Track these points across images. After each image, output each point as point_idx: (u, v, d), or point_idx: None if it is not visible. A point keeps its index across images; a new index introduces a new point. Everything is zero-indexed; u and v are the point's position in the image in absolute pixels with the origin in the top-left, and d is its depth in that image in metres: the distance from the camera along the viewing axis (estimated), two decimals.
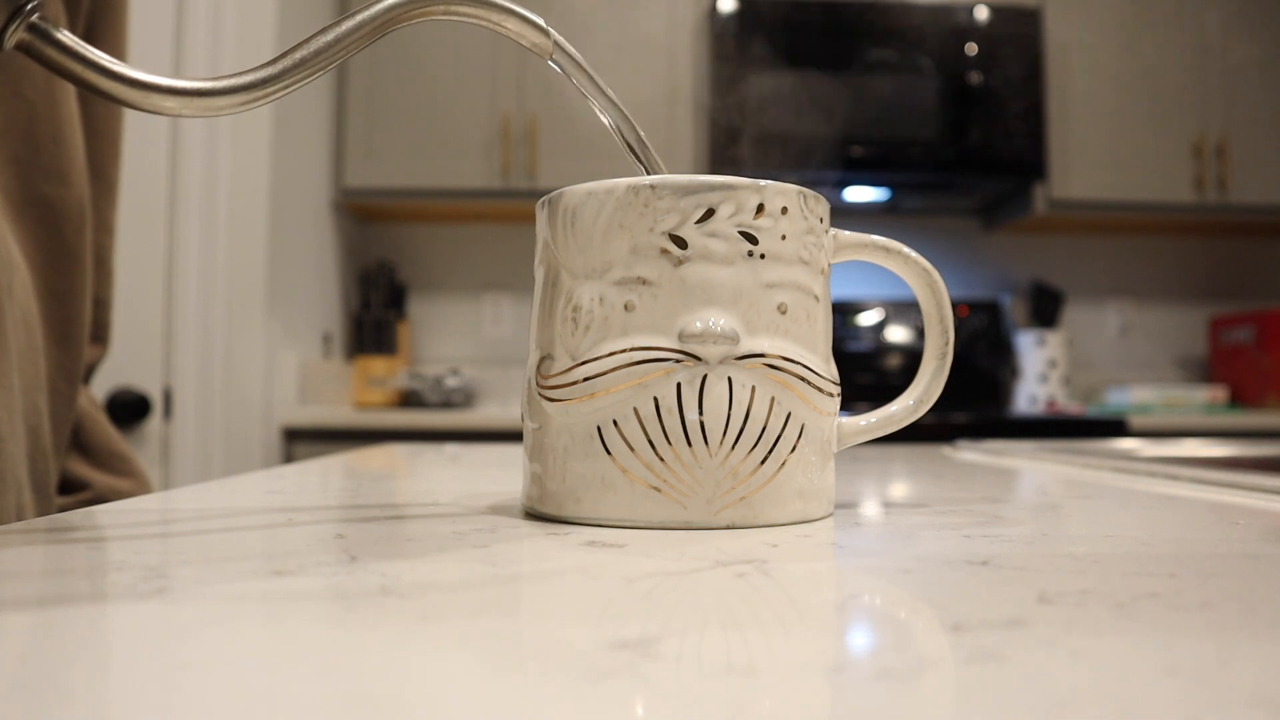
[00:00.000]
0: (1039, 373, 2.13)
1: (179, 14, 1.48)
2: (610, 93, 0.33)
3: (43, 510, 0.44)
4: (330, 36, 0.28)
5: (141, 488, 0.52)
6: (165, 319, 1.49)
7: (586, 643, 0.16)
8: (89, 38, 0.47)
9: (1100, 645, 0.16)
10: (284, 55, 0.27)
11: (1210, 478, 0.44)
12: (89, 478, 0.50)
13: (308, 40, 0.27)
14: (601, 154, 2.01)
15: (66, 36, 0.24)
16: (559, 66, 0.32)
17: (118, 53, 0.49)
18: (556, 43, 0.31)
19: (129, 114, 0.51)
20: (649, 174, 0.33)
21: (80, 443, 0.51)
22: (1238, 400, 2.17)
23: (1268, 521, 0.32)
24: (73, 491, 0.50)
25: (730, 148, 1.98)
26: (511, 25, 0.31)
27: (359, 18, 0.28)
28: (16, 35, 0.24)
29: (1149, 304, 2.37)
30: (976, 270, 2.34)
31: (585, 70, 0.32)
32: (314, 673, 0.15)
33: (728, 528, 0.29)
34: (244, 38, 1.57)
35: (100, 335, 0.53)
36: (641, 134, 0.33)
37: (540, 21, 0.31)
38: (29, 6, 0.24)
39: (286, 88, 0.27)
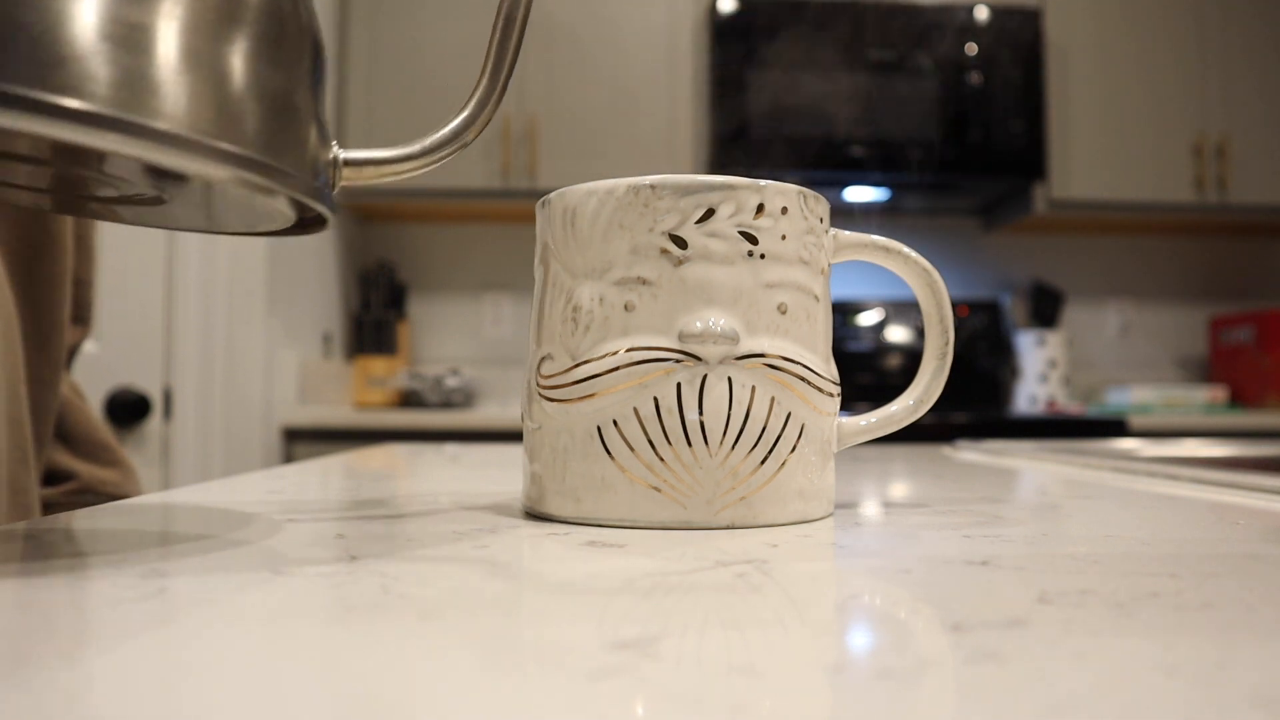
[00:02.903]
0: (1039, 373, 2.13)
1: None
2: None
3: (25, 503, 0.43)
4: None
5: (127, 477, 0.51)
6: (165, 319, 1.49)
7: (586, 643, 0.16)
8: None
9: (1100, 645, 0.16)
10: None
11: (1210, 478, 0.44)
12: (74, 468, 0.49)
13: None
14: (601, 154, 2.01)
15: None
16: None
17: None
18: None
19: None
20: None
21: (63, 432, 0.50)
22: (1238, 400, 2.17)
23: (1268, 521, 0.32)
24: (57, 483, 0.49)
25: (730, 148, 1.98)
26: None
27: None
28: None
29: (1149, 304, 2.37)
30: (976, 270, 2.34)
31: None
32: (314, 673, 0.15)
33: (728, 528, 0.29)
34: None
35: (81, 316, 0.52)
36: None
37: None
38: None
39: None
